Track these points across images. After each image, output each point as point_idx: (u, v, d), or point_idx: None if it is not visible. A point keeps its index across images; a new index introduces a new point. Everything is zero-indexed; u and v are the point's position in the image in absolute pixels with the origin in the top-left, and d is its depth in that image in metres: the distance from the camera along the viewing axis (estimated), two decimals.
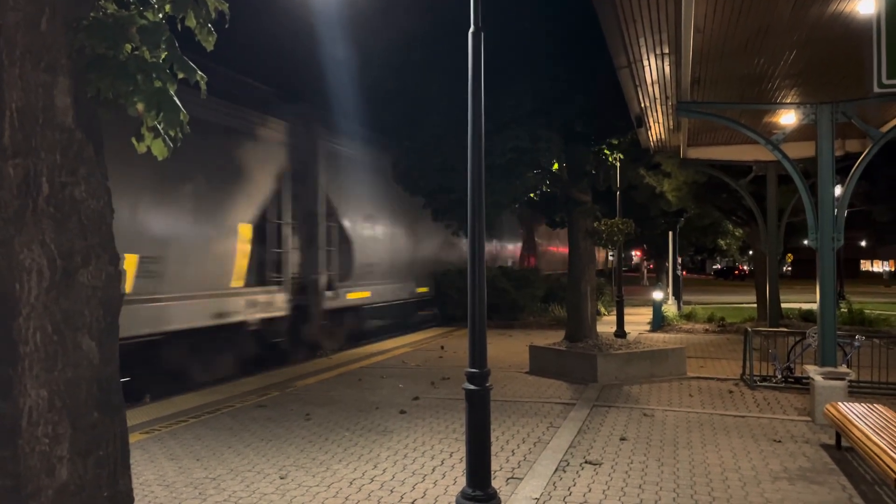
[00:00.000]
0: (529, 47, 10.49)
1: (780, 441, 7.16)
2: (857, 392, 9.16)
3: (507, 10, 9.86)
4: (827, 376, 8.03)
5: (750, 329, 10.72)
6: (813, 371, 8.21)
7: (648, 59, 7.82)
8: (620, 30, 6.97)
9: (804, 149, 11.07)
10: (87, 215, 2.72)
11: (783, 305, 17.60)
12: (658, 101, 9.58)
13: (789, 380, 10.11)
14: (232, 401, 9.28)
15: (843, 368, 8.40)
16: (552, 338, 14.16)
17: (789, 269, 61.14)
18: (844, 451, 6.74)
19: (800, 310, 20.33)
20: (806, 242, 8.59)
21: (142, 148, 2.98)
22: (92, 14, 2.77)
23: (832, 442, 7.00)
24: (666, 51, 7.54)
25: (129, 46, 2.81)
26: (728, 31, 6.98)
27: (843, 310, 19.10)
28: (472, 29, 4.88)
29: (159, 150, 2.95)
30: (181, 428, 7.83)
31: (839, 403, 6.79)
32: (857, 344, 9.51)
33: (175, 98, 2.85)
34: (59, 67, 2.71)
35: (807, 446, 6.98)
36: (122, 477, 2.77)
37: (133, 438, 6.91)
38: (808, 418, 8.11)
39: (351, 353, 14.49)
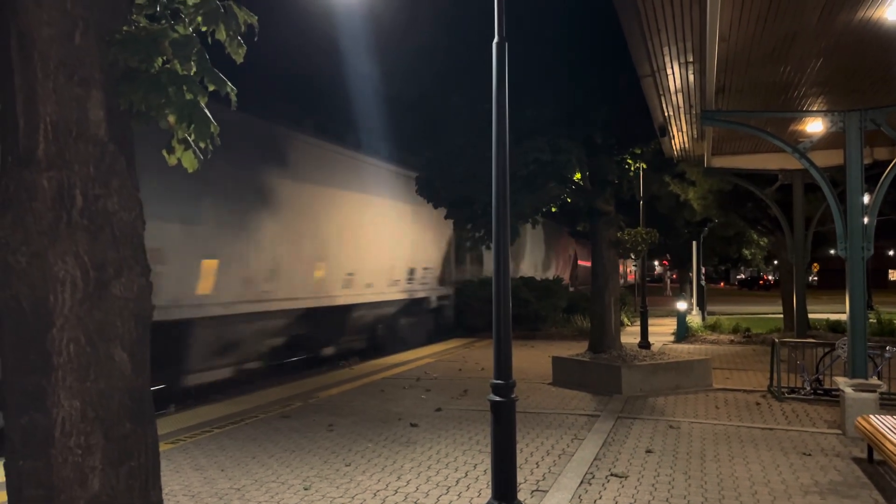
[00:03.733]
0: (551, 57, 10.48)
1: (810, 454, 7.04)
2: (888, 404, 8.97)
3: (528, 19, 9.87)
4: (857, 388, 7.89)
5: (777, 340, 10.57)
6: (843, 383, 8.07)
7: (672, 67, 7.77)
8: (644, 39, 6.93)
9: (832, 157, 10.92)
10: (120, 227, 2.74)
11: (810, 316, 17.35)
12: (682, 110, 9.51)
13: (818, 392, 9.94)
14: (255, 411, 9.32)
15: (874, 380, 8.24)
16: (575, 349, 14.06)
17: (815, 279, 60.25)
18: (877, 465, 6.60)
19: (827, 320, 20.00)
20: (834, 252, 8.47)
21: (172, 160, 3.00)
22: (125, 28, 2.80)
23: (864, 455, 6.87)
24: (690, 59, 7.49)
25: (160, 60, 2.84)
26: (753, 39, 6.91)
27: (872, 320, 18.77)
28: (496, 40, 4.87)
29: (189, 162, 2.97)
30: (206, 438, 7.87)
31: (870, 416, 6.66)
32: (887, 355, 9.34)
33: (206, 110, 2.88)
34: (93, 81, 2.74)
35: (838, 460, 6.84)
36: (153, 488, 2.78)
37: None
38: (839, 431, 7.97)
39: (373, 363, 14.50)
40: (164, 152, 3.02)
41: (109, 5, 2.80)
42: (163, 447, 7.36)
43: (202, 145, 2.91)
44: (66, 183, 2.66)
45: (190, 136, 2.90)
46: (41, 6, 2.67)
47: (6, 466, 2.71)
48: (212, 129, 2.86)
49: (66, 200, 2.66)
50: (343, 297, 15.62)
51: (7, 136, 2.74)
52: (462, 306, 21.44)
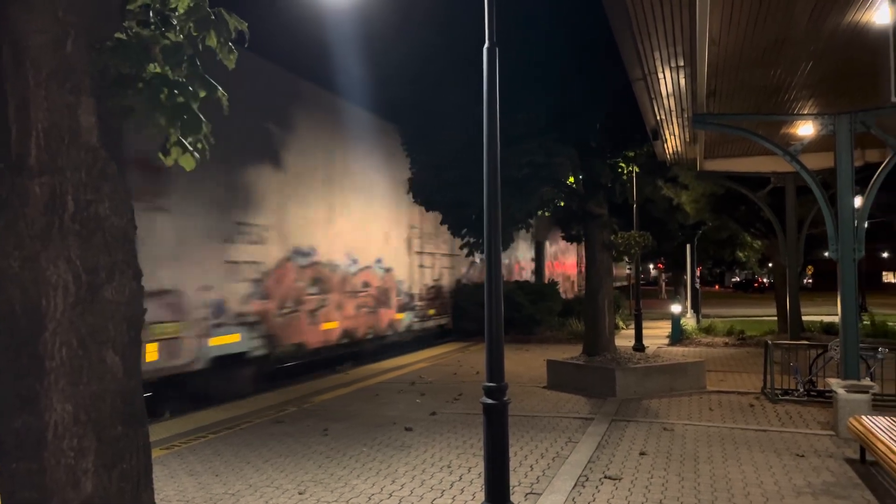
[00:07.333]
0: (543, 61, 10.53)
1: (803, 455, 7.07)
2: (880, 405, 9.01)
3: (520, 24, 9.91)
4: (850, 389, 7.93)
5: (771, 342, 10.61)
6: (836, 384, 8.11)
7: (663, 71, 7.83)
8: (635, 42, 6.99)
9: (823, 159, 11.00)
10: (111, 232, 2.76)
11: (804, 318, 17.40)
12: (674, 114, 9.57)
13: (811, 393, 9.99)
14: (250, 416, 9.32)
15: (867, 381, 8.29)
16: (570, 352, 14.09)
17: (810, 281, 60.39)
18: (869, 466, 6.64)
19: (821, 322, 20.07)
20: (826, 254, 8.52)
21: (169, 162, 3.03)
22: (116, 35, 2.82)
23: (856, 456, 6.91)
24: (681, 63, 7.55)
25: (152, 66, 2.87)
26: (744, 42, 6.98)
27: (865, 322, 18.85)
28: (486, 45, 4.91)
29: (187, 163, 3.00)
30: (200, 444, 7.87)
31: (863, 417, 6.70)
32: (880, 356, 9.37)
33: (197, 111, 2.90)
34: (84, 87, 2.76)
35: (830, 460, 6.88)
36: (145, 490, 2.80)
37: (153, 454, 6.93)
38: (832, 432, 8.01)
39: (367, 368, 14.50)
40: (160, 154, 3.05)
41: (101, 12, 2.82)
42: (158, 453, 7.36)
43: (199, 146, 2.93)
44: (58, 189, 2.68)
45: (185, 139, 2.93)
46: (33, 13, 2.69)
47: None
48: (203, 128, 2.89)
49: (59, 206, 2.67)
50: None
51: None
52: (458, 310, 21.43)
